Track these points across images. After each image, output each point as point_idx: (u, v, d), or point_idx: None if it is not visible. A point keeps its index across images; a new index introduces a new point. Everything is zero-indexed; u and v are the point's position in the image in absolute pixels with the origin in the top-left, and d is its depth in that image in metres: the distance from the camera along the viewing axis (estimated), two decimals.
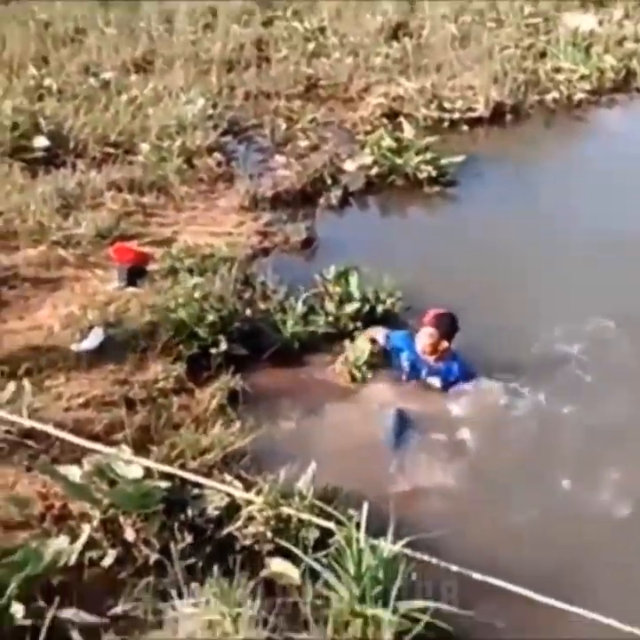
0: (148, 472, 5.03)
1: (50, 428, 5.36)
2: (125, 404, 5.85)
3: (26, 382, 5.85)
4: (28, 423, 5.40)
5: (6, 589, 4.17)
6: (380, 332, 6.75)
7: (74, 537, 4.67)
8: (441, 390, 6.44)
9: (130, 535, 4.71)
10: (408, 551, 4.54)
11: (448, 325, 6.49)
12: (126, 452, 5.20)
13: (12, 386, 5.81)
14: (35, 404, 5.64)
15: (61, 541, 4.62)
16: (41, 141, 10.02)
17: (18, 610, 4.13)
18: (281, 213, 9.03)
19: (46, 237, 7.96)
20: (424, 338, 6.48)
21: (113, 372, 6.20)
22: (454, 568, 4.54)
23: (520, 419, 6.13)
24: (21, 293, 7.25)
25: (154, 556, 4.62)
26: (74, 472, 5.01)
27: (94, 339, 6.42)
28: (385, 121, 11.26)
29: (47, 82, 11.97)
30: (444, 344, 6.49)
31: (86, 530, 4.72)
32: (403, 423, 6.01)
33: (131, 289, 7.18)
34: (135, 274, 7.32)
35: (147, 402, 5.97)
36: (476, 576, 4.49)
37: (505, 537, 5.12)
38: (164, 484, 4.96)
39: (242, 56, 13.33)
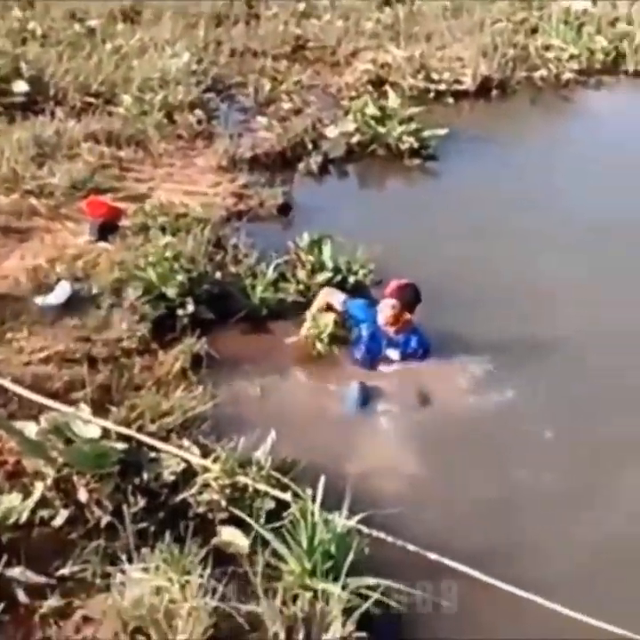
0: (106, 432, 4.99)
1: (7, 383, 5.30)
2: (87, 361, 5.80)
3: None
4: None
5: None
6: (335, 295, 6.63)
7: (26, 494, 4.63)
8: (399, 362, 6.40)
9: (83, 496, 4.67)
10: (362, 527, 4.54)
11: (410, 297, 6.36)
12: (85, 411, 5.15)
13: None
14: None
15: (13, 498, 4.58)
16: (20, 86, 9.89)
17: None
18: (259, 176, 8.93)
19: (19, 186, 7.86)
20: (386, 309, 6.36)
21: (76, 329, 6.14)
22: (410, 547, 4.56)
23: (475, 403, 6.10)
24: None
25: (106, 519, 4.58)
26: (30, 428, 4.95)
27: (60, 293, 6.35)
28: (370, 88, 11.16)
29: (31, 25, 11.82)
30: (406, 316, 6.38)
31: (39, 488, 4.67)
32: (365, 396, 6.00)
33: (101, 244, 7.11)
34: (106, 229, 7.24)
35: (109, 361, 5.92)
36: (428, 555, 4.52)
37: (459, 517, 5.11)
38: (121, 446, 4.92)
39: (231, 11, 13.17)
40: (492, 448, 5.68)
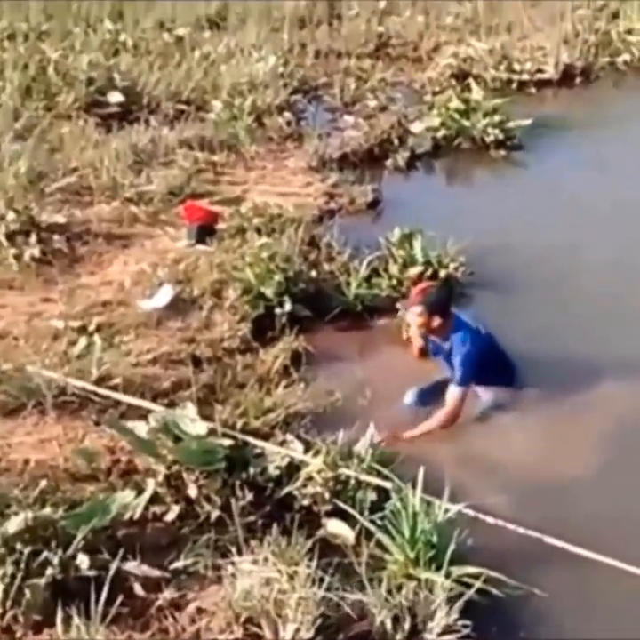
0: (212, 430, 5.08)
1: (112, 393, 5.45)
2: (192, 362, 5.91)
3: (96, 338, 5.94)
4: (89, 387, 5.47)
5: (73, 540, 4.25)
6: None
7: (139, 491, 4.72)
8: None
9: (192, 491, 4.76)
10: (469, 511, 4.57)
11: (434, 299, 5.78)
12: (191, 409, 5.25)
13: (83, 341, 5.91)
14: (104, 360, 5.71)
15: (127, 495, 4.68)
16: (115, 97, 10.11)
17: (83, 561, 4.20)
18: (348, 174, 8.99)
19: (119, 194, 8.05)
20: (412, 318, 5.86)
21: (180, 330, 6.26)
22: (510, 526, 4.57)
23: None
24: (94, 249, 7.35)
25: (215, 513, 4.65)
26: (140, 427, 5.06)
27: (164, 296, 6.47)
28: (453, 82, 11.16)
29: (122, 37, 12.05)
30: (436, 320, 5.76)
31: (151, 485, 4.77)
32: (422, 399, 5.90)
33: (200, 247, 7.23)
34: (204, 232, 7.36)
35: (212, 360, 6.02)
36: (534, 534, 4.52)
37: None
38: (227, 442, 5.00)
39: (314, 13, 13.25)
40: None
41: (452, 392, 5.67)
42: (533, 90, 11.28)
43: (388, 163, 9.36)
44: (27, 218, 7.35)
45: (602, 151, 9.39)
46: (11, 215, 7.34)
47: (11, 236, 7.20)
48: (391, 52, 12.53)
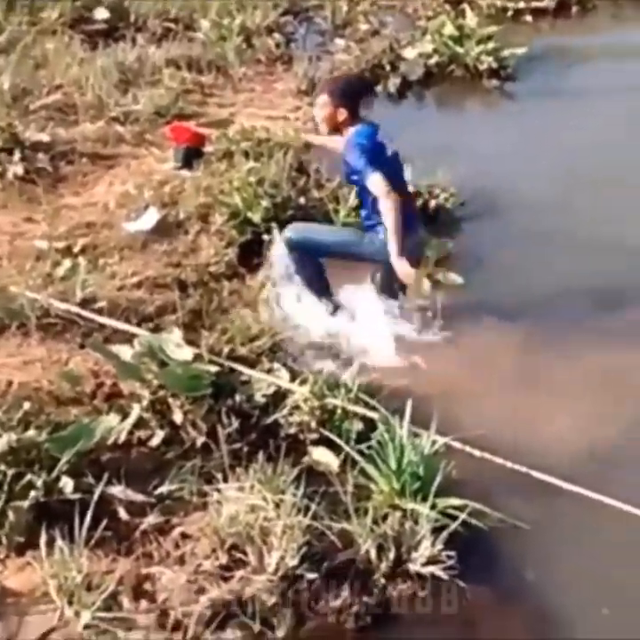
0: (198, 355, 5.05)
1: (97, 316, 5.41)
2: (178, 286, 5.86)
3: (81, 259, 5.87)
4: (74, 309, 5.42)
5: (57, 463, 4.23)
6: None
7: (124, 416, 4.69)
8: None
9: (178, 417, 4.74)
10: (456, 443, 4.59)
11: (342, 87, 5.40)
12: (177, 334, 5.21)
13: (67, 262, 5.83)
14: (89, 282, 5.64)
15: (111, 419, 4.64)
16: (102, 13, 9.95)
17: (67, 483, 4.18)
18: None
19: (104, 113, 7.90)
20: (317, 110, 5.53)
21: (166, 254, 6.18)
22: (498, 460, 4.61)
23: None
24: (79, 169, 7.22)
25: (200, 439, 4.64)
26: (125, 352, 5.01)
27: (149, 219, 6.39)
28: (447, 7, 10.92)
29: None
30: (342, 113, 5.37)
31: (136, 409, 4.74)
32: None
33: (184, 172, 7.10)
34: (191, 155, 7.21)
35: (198, 285, 5.97)
36: (520, 468, 4.55)
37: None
38: (213, 369, 4.97)
39: None
40: None
41: (373, 182, 5.25)
42: (529, 18, 11.09)
43: (379, 89, 9.21)
44: (10, 135, 7.19)
45: (596, 81, 9.27)
46: None
47: None
48: None
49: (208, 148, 7.26)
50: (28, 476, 4.15)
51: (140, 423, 4.72)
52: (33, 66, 8.66)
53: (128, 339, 5.18)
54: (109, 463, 4.48)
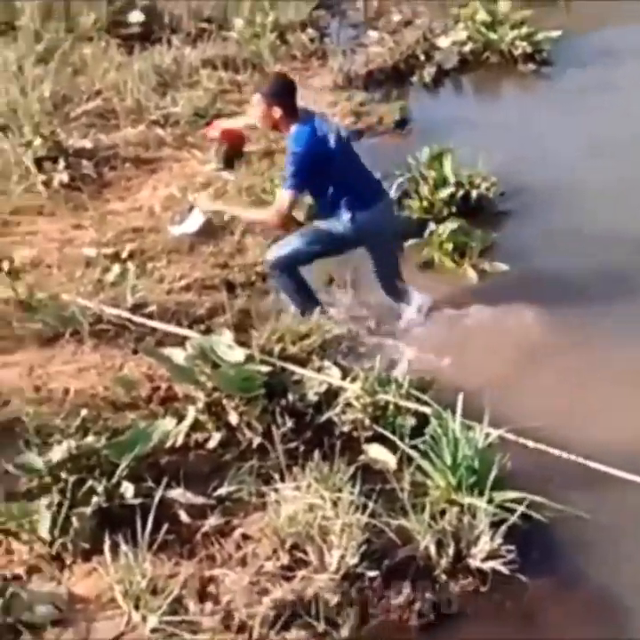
0: (250, 356, 5.06)
1: (148, 321, 5.45)
2: (226, 287, 5.88)
3: (129, 264, 5.91)
4: (125, 315, 5.46)
5: (116, 469, 4.26)
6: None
7: (180, 418, 4.72)
8: None
9: (233, 418, 4.75)
10: (509, 435, 4.54)
11: (271, 86, 5.43)
12: (228, 336, 5.22)
13: (116, 268, 5.88)
14: (138, 287, 5.68)
15: (168, 422, 4.66)
16: (136, 16, 9.94)
17: (128, 488, 4.21)
18: (374, 92, 8.83)
19: (144, 116, 7.94)
20: (252, 111, 5.56)
21: (213, 256, 6.22)
22: (553, 451, 4.55)
23: None
24: (122, 174, 7.29)
25: (256, 440, 4.65)
26: (178, 355, 5.03)
27: (194, 221, 6.38)
28: None
29: None
30: (277, 111, 5.36)
31: (191, 412, 4.76)
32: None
33: (227, 171, 7.11)
34: (233, 154, 7.22)
35: (246, 286, 5.99)
36: (577, 459, 4.49)
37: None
38: (265, 369, 4.97)
39: None
40: None
41: (280, 194, 5.51)
42: (562, 1, 10.97)
43: (415, 79, 9.19)
44: (53, 143, 7.25)
45: (635, 64, 9.13)
46: (37, 141, 7.24)
47: (39, 162, 7.10)
48: None
49: (249, 148, 7.31)
50: (90, 482, 4.19)
51: (196, 425, 4.74)
52: (72, 72, 8.72)
53: (180, 342, 5.19)
54: (168, 467, 4.51)
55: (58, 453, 4.28)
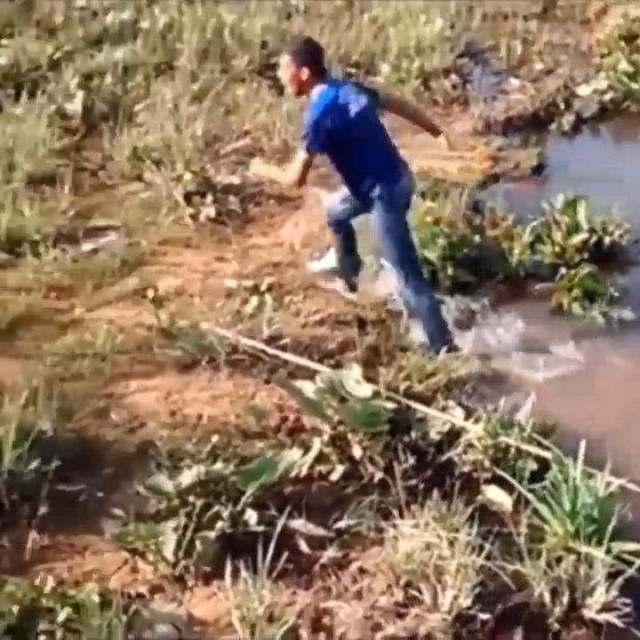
0: (376, 392, 5.00)
1: (281, 353, 5.45)
2: (357, 323, 5.84)
3: (268, 297, 5.95)
4: (260, 346, 5.49)
5: (242, 495, 4.26)
6: None
7: (305, 450, 4.70)
8: None
9: (357, 452, 4.71)
10: (631, 485, 4.37)
11: (302, 47, 5.48)
12: (356, 371, 5.18)
13: (254, 300, 5.93)
14: (275, 319, 5.71)
15: (294, 453, 4.66)
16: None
17: (251, 516, 4.21)
18: (512, 138, 8.70)
19: (290, 156, 7.97)
20: (282, 72, 5.55)
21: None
22: None
23: None
24: (266, 210, 7.37)
25: (378, 475, 4.60)
26: (308, 387, 5.03)
27: (331, 259, 6.41)
28: (622, 44, 10.53)
29: (294, 1, 11.91)
30: (305, 73, 5.35)
31: (317, 444, 4.74)
32: None
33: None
34: None
35: (376, 323, 5.94)
36: None
37: None
38: (390, 405, 4.92)
39: None
40: None
41: (296, 157, 5.43)
42: None
43: (554, 126, 9.02)
44: (203, 179, 7.41)
45: None
46: (188, 176, 7.41)
47: (188, 196, 7.28)
48: (558, 13, 12.02)
49: None
50: (216, 508, 4.21)
51: (320, 457, 4.71)
52: (224, 112, 8.90)
53: (310, 375, 5.20)
54: (291, 496, 4.49)
55: (188, 478, 4.33)
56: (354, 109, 5.39)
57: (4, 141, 7.86)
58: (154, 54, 10.16)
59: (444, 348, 5.55)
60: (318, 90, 5.39)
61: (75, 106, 8.91)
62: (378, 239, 5.69)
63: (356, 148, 5.44)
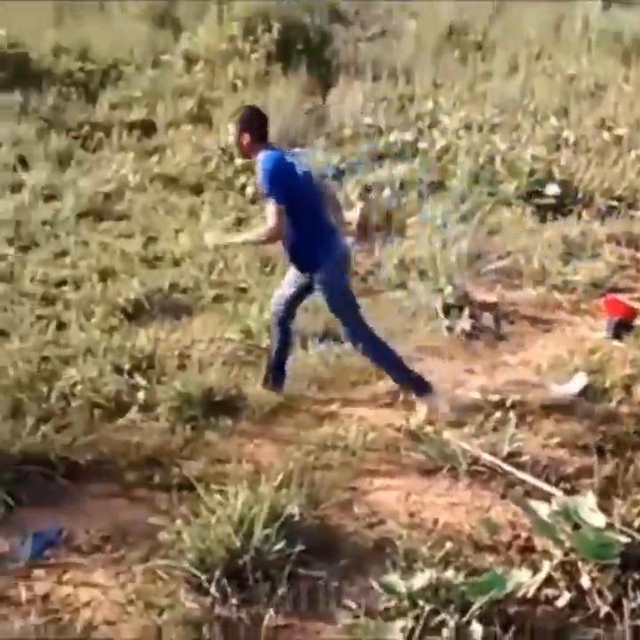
0: (610, 523, 4.71)
1: (519, 472, 5.25)
2: (597, 451, 5.56)
3: (511, 414, 5.79)
4: (499, 462, 5.33)
5: (469, 607, 4.09)
6: None
7: (534, 571, 4.46)
8: None
9: (585, 582, 4.42)
10: None
11: (242, 115, 5.59)
12: (591, 499, 4.91)
13: (498, 415, 5.78)
14: (516, 437, 5.53)
15: (523, 573, 4.42)
16: (553, 189, 9.93)
17: (477, 630, 4.01)
18: None
19: (546, 280, 7.87)
20: (232, 139, 5.63)
21: (589, 419, 5.91)
22: None
23: None
24: (518, 329, 7.23)
25: (604, 609, 4.28)
26: (543, 508, 4.80)
27: (577, 383, 6.18)
28: None
29: (565, 133, 11.82)
30: (245, 137, 5.50)
31: (546, 567, 4.50)
32: None
33: (615, 342, 6.85)
34: (622, 326, 6.96)
35: (616, 453, 5.62)
36: None
37: None
38: (624, 539, 4.61)
39: None
40: None
41: (268, 209, 5.44)
42: None
43: None
44: (462, 294, 7.39)
45: None
46: (448, 289, 7.42)
47: (446, 309, 7.27)
48: None
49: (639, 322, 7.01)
50: (443, 615, 4.06)
51: (548, 581, 4.46)
52: (487, 233, 8.87)
53: (546, 496, 4.97)
54: (516, 616, 4.23)
55: (420, 580, 4.21)
56: (299, 169, 5.58)
57: None
58: (429, 173, 10.33)
59: None
60: (263, 153, 5.51)
61: (353, 213, 9.17)
62: (333, 308, 5.76)
63: (303, 208, 5.49)
